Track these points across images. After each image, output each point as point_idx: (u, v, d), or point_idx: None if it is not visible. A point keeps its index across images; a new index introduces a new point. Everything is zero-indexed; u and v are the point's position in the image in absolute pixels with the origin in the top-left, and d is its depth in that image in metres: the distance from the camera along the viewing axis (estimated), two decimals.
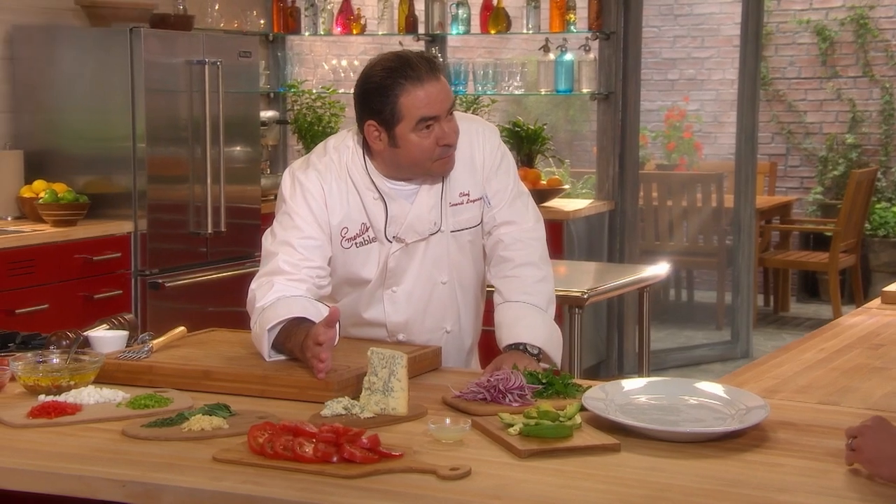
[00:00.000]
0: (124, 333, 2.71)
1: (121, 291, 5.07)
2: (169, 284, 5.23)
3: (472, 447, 2.04)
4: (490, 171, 2.73)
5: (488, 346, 2.80)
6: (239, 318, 4.91)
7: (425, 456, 1.97)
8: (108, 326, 2.76)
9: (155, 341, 2.62)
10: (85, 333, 2.69)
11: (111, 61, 5.21)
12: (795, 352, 2.88)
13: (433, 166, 2.63)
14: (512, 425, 2.08)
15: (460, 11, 6.54)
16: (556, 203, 6.19)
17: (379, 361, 2.25)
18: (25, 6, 5.44)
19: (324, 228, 2.66)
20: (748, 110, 6.84)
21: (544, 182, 6.23)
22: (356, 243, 2.70)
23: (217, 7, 6.31)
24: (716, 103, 9.31)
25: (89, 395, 2.32)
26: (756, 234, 7.32)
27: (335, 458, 1.93)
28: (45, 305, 4.74)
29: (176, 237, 5.36)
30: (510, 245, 2.72)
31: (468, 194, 2.72)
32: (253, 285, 2.65)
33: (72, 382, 2.38)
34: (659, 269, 4.30)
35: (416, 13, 6.63)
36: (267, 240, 2.69)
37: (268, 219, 2.77)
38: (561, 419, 2.08)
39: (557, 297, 3.77)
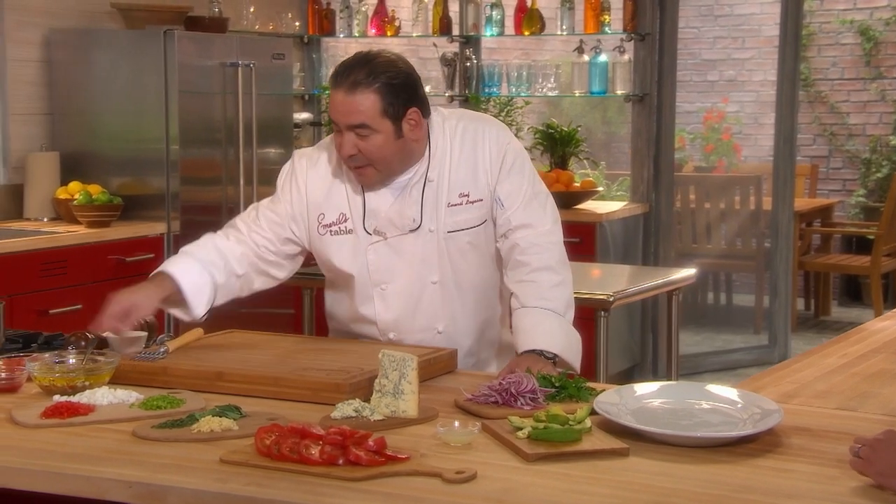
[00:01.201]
0: (142, 334, 2.72)
1: None
2: None
3: (481, 450, 2.02)
4: (499, 174, 2.71)
5: None
6: (273, 321, 4.95)
7: (432, 459, 1.96)
8: None
9: (171, 343, 2.63)
10: (103, 334, 2.70)
11: (146, 64, 5.26)
12: (817, 356, 2.84)
13: (349, 172, 2.71)
14: (521, 429, 2.06)
15: (494, 13, 6.52)
16: (590, 205, 6.15)
17: (390, 364, 2.25)
18: (62, 9, 5.50)
19: (296, 210, 2.77)
20: (787, 112, 6.77)
21: (577, 184, 6.19)
22: (331, 231, 2.75)
23: (252, 10, 6.34)
24: (756, 105, 9.22)
25: (103, 396, 2.33)
26: (796, 237, 7.24)
27: (341, 461, 1.92)
28: (79, 306, 4.77)
29: None
30: (526, 249, 2.68)
31: (468, 195, 2.71)
32: None
33: (86, 383, 2.39)
34: (687, 273, 4.25)
35: (451, 15, 6.63)
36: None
37: None
38: (570, 423, 2.06)
39: (584, 300, 3.77)
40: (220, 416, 2.16)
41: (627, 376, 6.16)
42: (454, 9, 6.64)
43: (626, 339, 6.26)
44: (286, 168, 2.84)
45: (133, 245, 5.07)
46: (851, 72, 8.98)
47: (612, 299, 3.78)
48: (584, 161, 6.70)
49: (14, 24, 5.31)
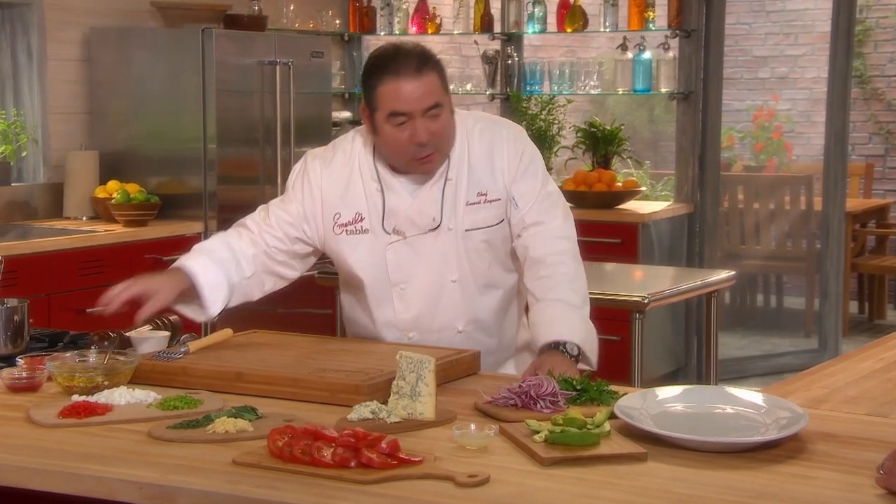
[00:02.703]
0: (165, 334, 2.71)
1: None
2: None
3: (497, 454, 1.99)
4: (515, 174, 2.71)
5: None
6: (311, 321, 4.93)
7: (446, 462, 1.92)
8: (151, 327, 2.77)
9: (194, 343, 2.62)
10: (127, 333, 2.70)
11: (184, 62, 5.27)
12: (852, 361, 2.76)
13: (410, 164, 2.66)
14: (538, 432, 2.02)
15: (536, 10, 6.46)
16: (632, 205, 6.07)
17: (407, 365, 2.22)
18: (102, 8, 5.53)
19: (308, 210, 2.76)
20: (838, 110, 6.63)
21: (620, 183, 6.11)
22: (347, 230, 2.74)
23: (292, 8, 6.33)
24: (808, 102, 9.05)
25: (121, 396, 2.32)
26: (847, 239, 7.09)
27: (353, 464, 1.89)
28: None
29: None
30: (540, 246, 2.69)
31: (486, 194, 2.71)
32: None
33: (105, 382, 2.38)
34: (727, 274, 4.18)
35: (492, 12, 6.59)
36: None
37: None
38: (588, 427, 2.01)
39: (618, 301, 3.72)
40: (236, 418, 2.14)
41: (671, 379, 6.07)
42: (496, 6, 6.60)
43: (671, 342, 6.17)
44: (297, 168, 2.84)
45: (170, 244, 5.07)
46: None
47: (646, 301, 3.72)
48: (628, 160, 6.61)
49: (54, 23, 5.35)
